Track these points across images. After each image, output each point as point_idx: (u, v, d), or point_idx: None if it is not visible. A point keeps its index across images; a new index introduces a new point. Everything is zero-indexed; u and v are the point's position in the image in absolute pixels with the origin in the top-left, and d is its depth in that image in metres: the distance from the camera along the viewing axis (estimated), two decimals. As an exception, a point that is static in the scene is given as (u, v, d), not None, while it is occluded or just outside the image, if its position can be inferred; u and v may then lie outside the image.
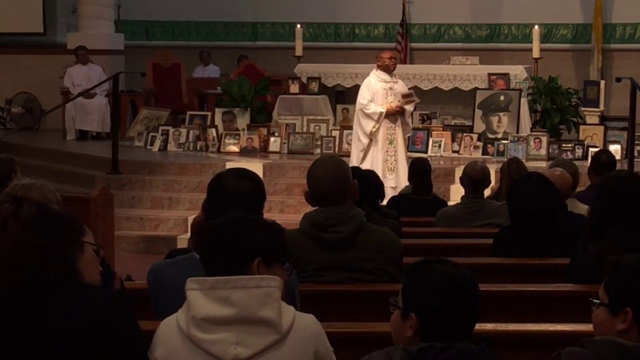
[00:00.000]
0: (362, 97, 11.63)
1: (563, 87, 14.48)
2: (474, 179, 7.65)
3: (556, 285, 5.10)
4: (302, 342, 3.24)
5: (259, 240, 3.33)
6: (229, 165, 12.11)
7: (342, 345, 3.58)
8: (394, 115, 11.55)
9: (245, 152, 13.78)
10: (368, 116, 11.52)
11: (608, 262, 3.37)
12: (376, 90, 11.55)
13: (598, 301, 3.31)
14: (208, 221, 4.12)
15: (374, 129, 11.50)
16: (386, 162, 11.56)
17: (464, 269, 3.24)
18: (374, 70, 11.69)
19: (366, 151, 11.57)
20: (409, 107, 11.74)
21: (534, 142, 13.33)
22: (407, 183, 11.19)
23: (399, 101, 11.62)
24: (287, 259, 3.43)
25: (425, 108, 14.47)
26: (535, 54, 15.06)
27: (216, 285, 3.22)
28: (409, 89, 12.11)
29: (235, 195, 4.02)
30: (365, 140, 11.57)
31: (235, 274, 3.25)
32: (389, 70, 11.63)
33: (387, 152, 11.61)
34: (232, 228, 3.35)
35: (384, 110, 11.46)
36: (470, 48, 17.38)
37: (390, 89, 11.61)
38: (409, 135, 12.20)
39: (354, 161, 11.34)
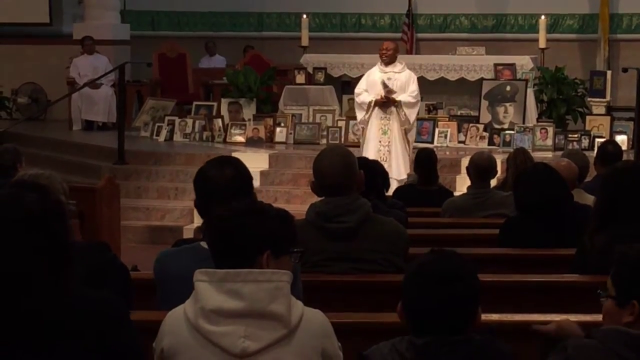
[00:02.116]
0: (358, 86, 11.79)
1: (569, 77, 14.45)
2: (482, 167, 7.64)
3: (562, 275, 5.09)
4: (310, 337, 3.23)
5: (269, 233, 3.30)
6: (235, 155, 12.10)
7: (347, 336, 3.58)
8: (387, 106, 11.50)
9: (251, 143, 13.78)
10: (359, 106, 11.64)
11: (616, 252, 3.37)
12: (373, 79, 11.55)
13: (605, 293, 3.32)
14: (202, 217, 4.07)
15: (364, 118, 11.57)
16: (379, 152, 11.52)
17: None
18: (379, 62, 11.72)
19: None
20: (401, 98, 11.48)
21: (540, 133, 13.31)
22: (400, 175, 11.32)
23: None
24: (296, 247, 3.39)
25: (431, 98, 14.45)
26: (542, 44, 15.02)
27: (226, 278, 3.20)
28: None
29: (223, 185, 3.94)
30: (360, 126, 11.87)
31: (244, 266, 3.23)
32: (383, 61, 11.63)
33: (380, 142, 11.58)
34: (241, 221, 3.31)
35: (372, 99, 11.45)
36: (476, 38, 17.32)
37: (389, 79, 11.54)
38: (405, 127, 11.82)
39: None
